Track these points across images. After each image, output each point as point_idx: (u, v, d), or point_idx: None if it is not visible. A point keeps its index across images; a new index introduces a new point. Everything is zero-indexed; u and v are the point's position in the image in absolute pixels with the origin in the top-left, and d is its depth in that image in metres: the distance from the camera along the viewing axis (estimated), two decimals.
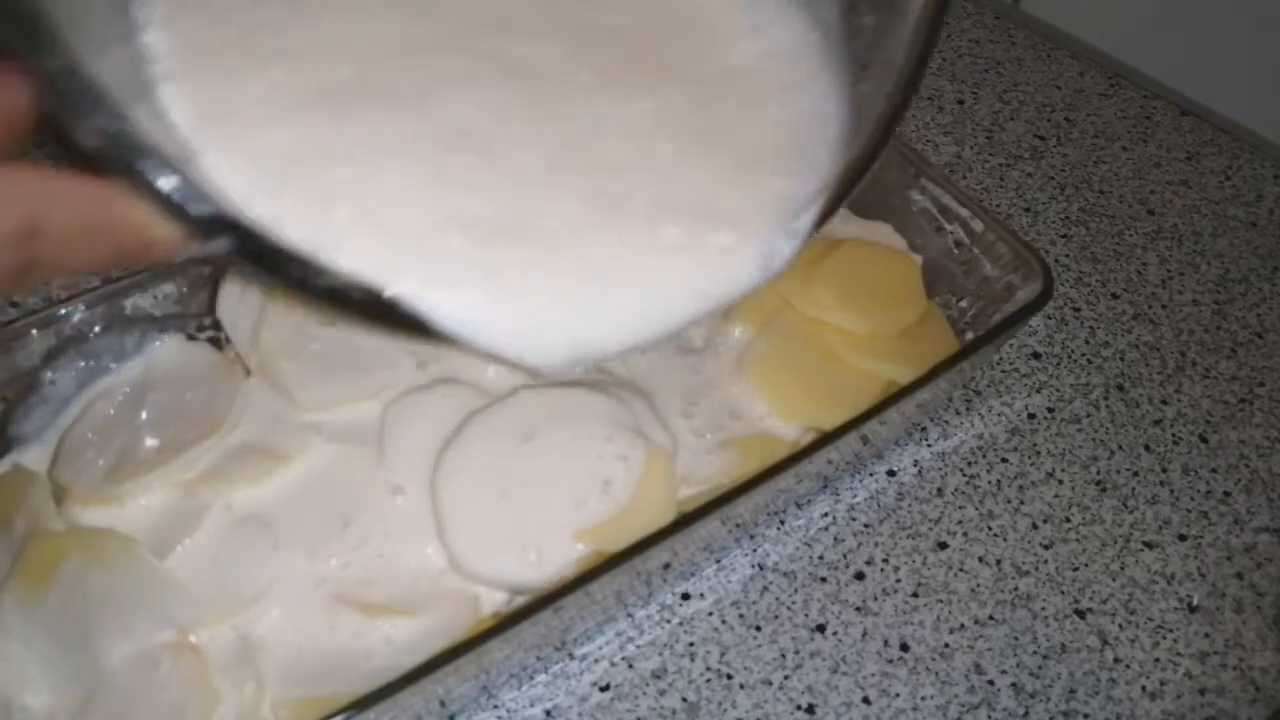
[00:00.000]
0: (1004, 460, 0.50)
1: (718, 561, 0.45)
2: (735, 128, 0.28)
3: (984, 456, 0.50)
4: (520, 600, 0.39)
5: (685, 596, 0.44)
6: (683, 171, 0.27)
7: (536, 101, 0.27)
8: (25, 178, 0.20)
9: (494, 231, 0.25)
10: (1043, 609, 0.45)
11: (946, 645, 0.44)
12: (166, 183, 0.20)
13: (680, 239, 0.26)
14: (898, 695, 0.42)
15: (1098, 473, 0.50)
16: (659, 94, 0.28)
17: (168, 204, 0.21)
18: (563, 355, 0.25)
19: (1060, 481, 0.50)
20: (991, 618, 0.45)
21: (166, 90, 0.23)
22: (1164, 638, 0.45)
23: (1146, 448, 0.51)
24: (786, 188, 0.27)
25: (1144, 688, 0.43)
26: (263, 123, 0.24)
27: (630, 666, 0.42)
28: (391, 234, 0.24)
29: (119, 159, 0.20)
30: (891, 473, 0.49)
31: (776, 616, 0.44)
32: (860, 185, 0.26)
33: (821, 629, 0.44)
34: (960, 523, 0.48)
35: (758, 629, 0.43)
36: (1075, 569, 0.47)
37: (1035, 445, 0.51)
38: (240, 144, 0.23)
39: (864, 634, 0.44)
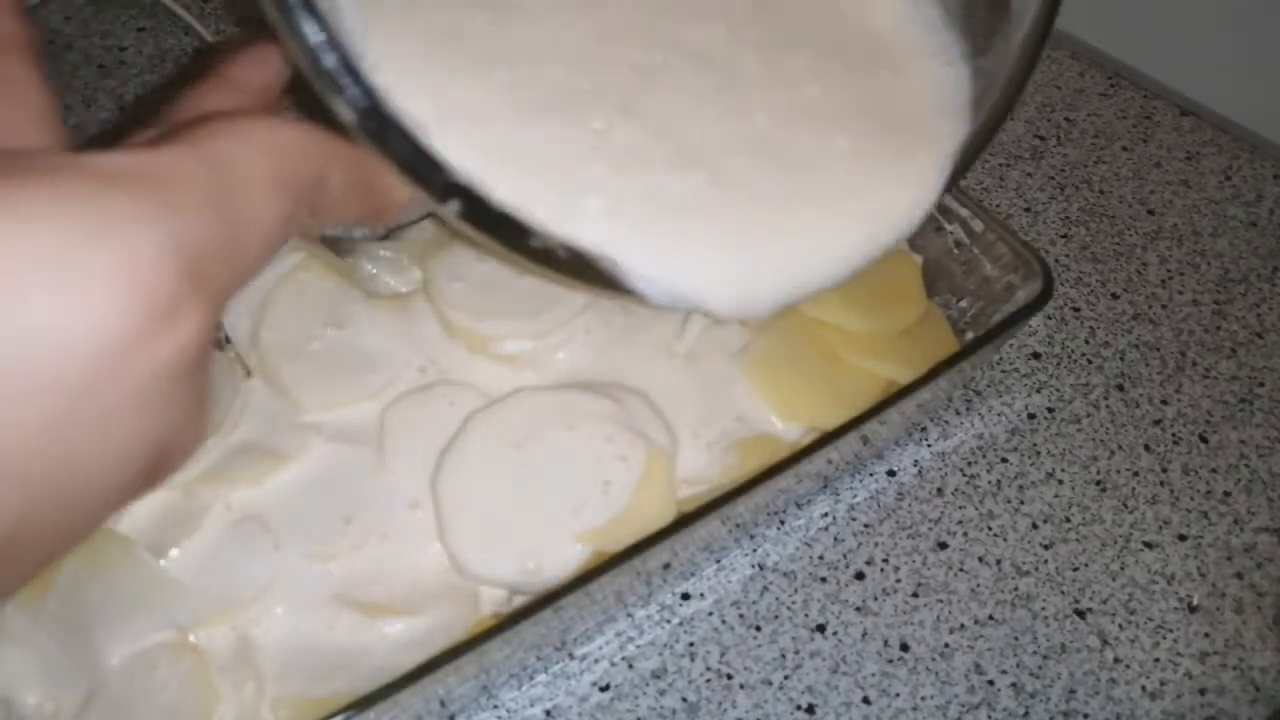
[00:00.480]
0: (1004, 460, 0.50)
1: (718, 561, 0.45)
2: (886, 89, 0.32)
3: (984, 456, 0.50)
4: (520, 600, 0.39)
5: (685, 596, 0.44)
6: (847, 129, 0.31)
7: (718, 84, 0.31)
8: (321, 137, 0.23)
9: (698, 200, 0.29)
10: (1043, 609, 0.45)
11: (946, 645, 0.44)
12: (411, 150, 0.24)
13: (853, 187, 0.30)
14: (898, 695, 0.42)
15: (1098, 473, 0.50)
16: (818, 62, 0.32)
17: (413, 170, 0.24)
18: (768, 303, 0.29)
19: (1060, 481, 0.50)
20: (991, 618, 0.45)
21: (387, 78, 0.26)
22: (1164, 638, 0.45)
23: (1146, 448, 0.51)
24: (932, 144, 0.31)
25: (1144, 688, 0.43)
26: (491, 114, 0.28)
27: (630, 666, 0.42)
28: (609, 205, 0.28)
29: (371, 129, 0.23)
30: (891, 473, 0.49)
31: (776, 616, 0.44)
32: (989, 143, 0.31)
33: (821, 629, 0.44)
34: (960, 523, 0.48)
35: (758, 629, 0.43)
36: (1075, 569, 0.47)
37: (1035, 445, 0.51)
38: (467, 126, 0.27)
39: (864, 634, 0.44)
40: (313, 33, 0.22)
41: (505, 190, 0.26)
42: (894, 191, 0.30)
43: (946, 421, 0.51)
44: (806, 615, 0.44)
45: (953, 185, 0.31)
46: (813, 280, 0.30)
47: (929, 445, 0.50)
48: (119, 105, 0.61)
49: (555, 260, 0.26)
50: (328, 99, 0.23)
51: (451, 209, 0.25)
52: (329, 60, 0.22)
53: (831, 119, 0.31)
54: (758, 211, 0.29)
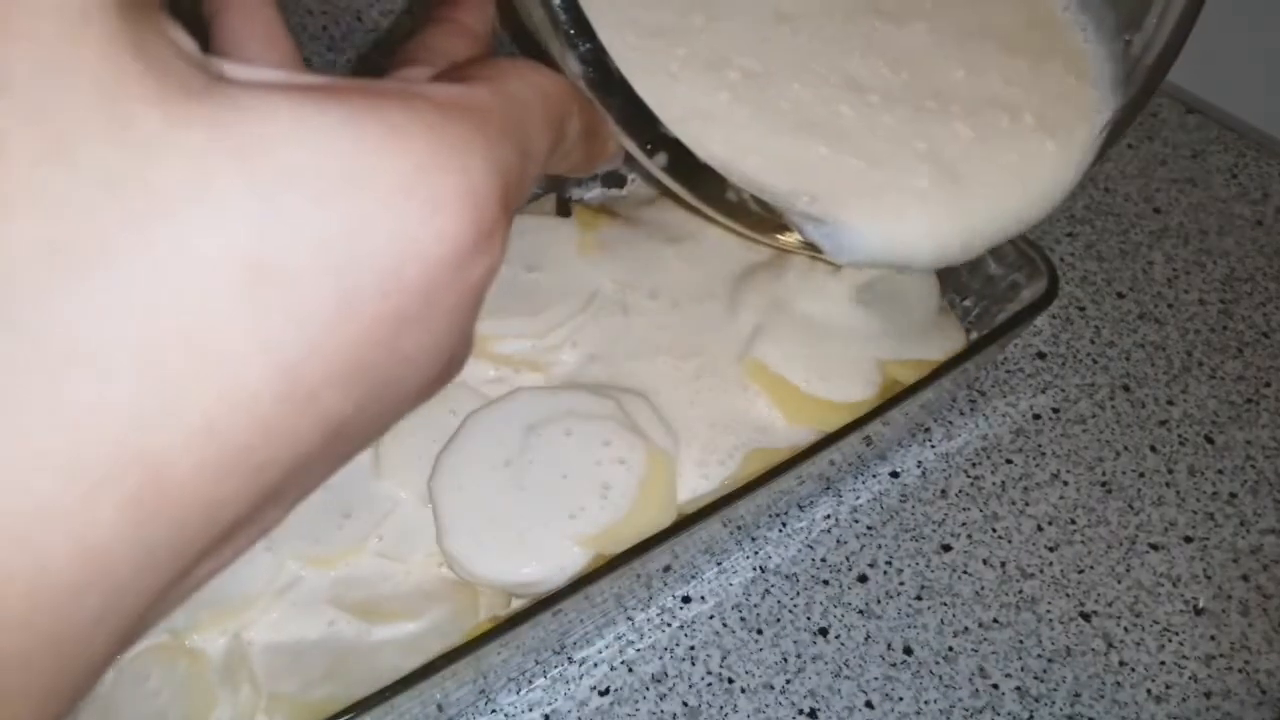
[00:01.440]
0: (1009, 461, 0.50)
1: (718, 564, 0.45)
2: (1046, 67, 0.37)
3: (988, 457, 0.50)
4: (519, 603, 0.39)
5: (686, 599, 0.44)
6: (1015, 100, 0.36)
7: (910, 66, 0.35)
8: (565, 82, 0.24)
9: (898, 168, 0.33)
10: (1048, 612, 0.45)
11: (950, 649, 0.43)
12: (630, 103, 0.27)
13: (1033, 157, 0.34)
14: (901, 699, 0.42)
15: (1103, 474, 0.50)
16: (1000, 53, 0.37)
17: (631, 122, 0.27)
18: (955, 250, 0.34)
19: (1065, 483, 0.49)
20: (996, 621, 0.44)
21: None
22: (1169, 640, 0.44)
23: (1152, 449, 0.51)
24: (1086, 114, 0.36)
25: (1149, 691, 0.43)
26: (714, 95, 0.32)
27: (630, 670, 0.41)
28: (797, 163, 0.31)
29: (598, 81, 0.26)
30: (895, 474, 0.49)
31: (778, 620, 0.43)
32: (1135, 119, 0.36)
33: (824, 632, 0.43)
34: (964, 524, 0.47)
35: (759, 632, 0.43)
36: (1080, 571, 0.46)
37: (1040, 446, 0.50)
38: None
39: (867, 637, 0.43)
40: None
41: (718, 148, 0.29)
42: (1060, 155, 0.35)
43: (950, 422, 0.51)
44: (809, 618, 0.44)
45: (1105, 151, 0.36)
46: (993, 231, 0.35)
47: (933, 446, 0.50)
48: None
49: (748, 214, 0.30)
50: (559, 50, 0.26)
51: (659, 161, 0.28)
52: (565, 15, 0.25)
53: (1011, 99, 0.36)
54: (947, 170, 0.33)
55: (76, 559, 0.14)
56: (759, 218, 0.30)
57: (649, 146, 0.28)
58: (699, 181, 0.29)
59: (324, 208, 0.16)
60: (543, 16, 0.25)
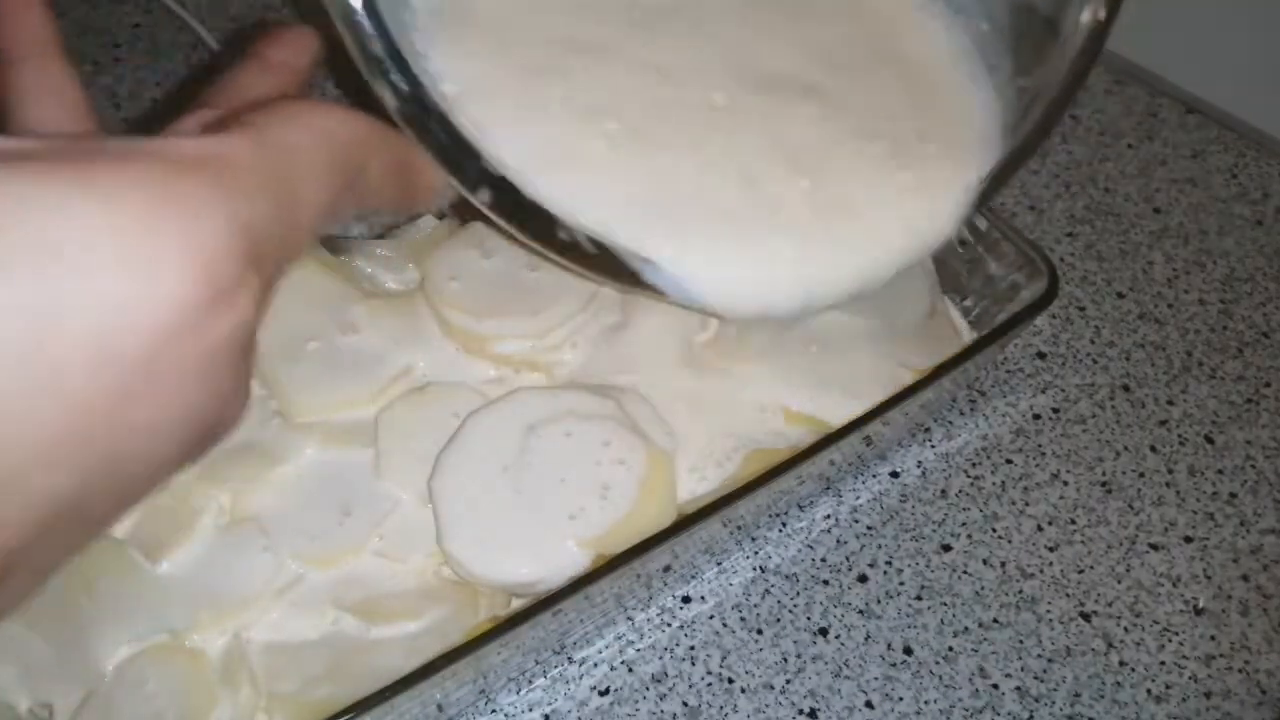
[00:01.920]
0: (1009, 461, 0.50)
1: (719, 564, 0.45)
2: (927, 115, 0.34)
3: (988, 457, 0.50)
4: (519, 603, 0.39)
5: (686, 599, 0.44)
6: (884, 147, 0.33)
7: (760, 106, 0.33)
8: (367, 121, 0.24)
9: (738, 208, 0.30)
10: (1048, 612, 0.45)
11: (950, 649, 0.43)
12: (448, 138, 0.25)
13: (892, 206, 0.32)
14: (901, 699, 0.42)
15: (1103, 474, 0.50)
16: (863, 83, 0.34)
17: (449, 157, 0.26)
18: (793, 304, 0.32)
19: (1065, 483, 0.49)
20: (996, 621, 0.44)
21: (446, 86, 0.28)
22: (1169, 640, 0.44)
23: (1152, 449, 0.51)
24: (967, 161, 0.33)
25: (1149, 691, 0.43)
26: (540, 115, 0.30)
27: (630, 670, 0.41)
28: (639, 206, 0.30)
29: (413, 114, 0.25)
30: (895, 474, 0.49)
31: (778, 620, 0.43)
32: (1025, 163, 0.33)
33: (824, 632, 0.43)
34: (964, 524, 0.47)
35: (759, 632, 0.43)
36: (1080, 571, 0.46)
37: (1040, 446, 0.50)
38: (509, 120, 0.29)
39: (867, 637, 0.43)
40: (365, 20, 0.24)
41: (543, 186, 0.28)
42: (930, 207, 0.32)
43: (950, 422, 0.51)
44: (809, 618, 0.44)
45: (985, 203, 0.33)
46: (841, 286, 0.32)
47: (933, 446, 0.50)
48: (114, 102, 0.60)
49: (581, 254, 0.28)
50: (373, 82, 0.24)
51: (483, 198, 0.27)
52: (377, 47, 0.24)
53: (874, 143, 0.33)
54: (797, 222, 0.31)
55: None
56: (593, 258, 0.29)
57: (471, 182, 0.26)
58: (527, 219, 0.28)
59: (12, 284, 0.15)
60: (357, 50, 0.24)
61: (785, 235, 0.31)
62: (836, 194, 0.32)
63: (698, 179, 0.31)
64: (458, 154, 0.26)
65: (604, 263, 0.29)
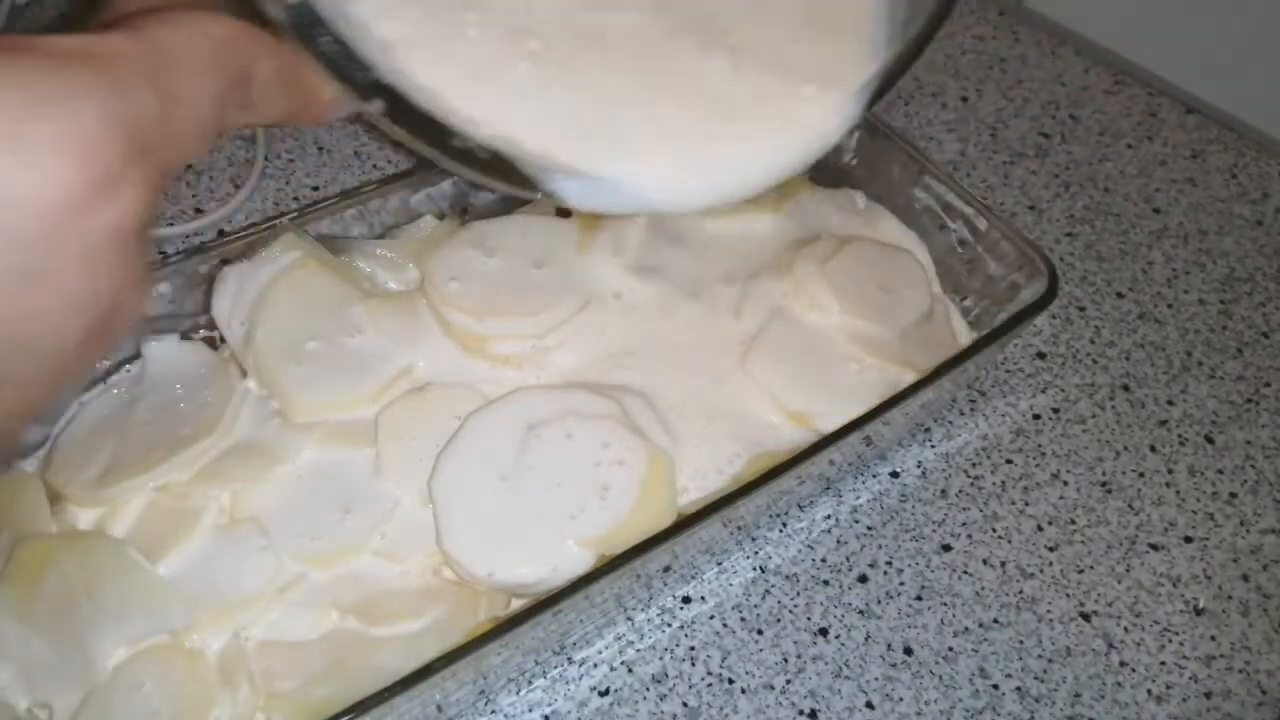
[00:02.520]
0: (1009, 461, 0.50)
1: (719, 564, 0.45)
2: (822, 20, 0.35)
3: (988, 457, 0.50)
4: (519, 603, 0.39)
5: (686, 600, 0.44)
6: (776, 45, 0.34)
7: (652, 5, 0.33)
8: (252, 30, 0.24)
9: (627, 105, 0.31)
10: (1048, 612, 0.45)
11: (950, 649, 0.43)
12: (337, 49, 0.25)
13: (777, 104, 0.33)
14: (901, 700, 0.42)
15: (1103, 474, 0.50)
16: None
17: (338, 68, 0.26)
18: (700, 195, 0.33)
19: (1065, 483, 0.49)
20: (996, 621, 0.44)
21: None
22: (1170, 641, 0.44)
23: (1152, 448, 0.51)
24: (857, 58, 0.34)
25: (1150, 691, 0.43)
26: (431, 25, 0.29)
27: (630, 671, 0.41)
28: (538, 112, 0.30)
29: (299, 26, 0.25)
30: (895, 474, 0.48)
31: (778, 620, 0.43)
32: (915, 64, 0.34)
33: (824, 632, 0.43)
34: (964, 525, 0.47)
35: (759, 633, 0.43)
36: (1080, 571, 0.46)
37: (1040, 446, 0.50)
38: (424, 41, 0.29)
39: (867, 637, 0.43)
40: None
41: (424, 78, 0.28)
42: (814, 109, 0.33)
43: (950, 422, 0.51)
44: (809, 619, 0.44)
45: (869, 108, 0.34)
46: (734, 184, 0.33)
47: (933, 446, 0.50)
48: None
49: (474, 161, 0.29)
50: None
51: (376, 107, 0.27)
52: None
53: (760, 41, 0.34)
54: (687, 118, 0.32)
55: None
56: (489, 166, 0.29)
57: (362, 92, 0.27)
58: (422, 128, 0.28)
59: None
60: None
61: (687, 137, 0.32)
62: (736, 97, 0.33)
63: (588, 73, 0.31)
64: (347, 64, 0.26)
65: (498, 170, 0.29)
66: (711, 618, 0.43)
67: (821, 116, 0.33)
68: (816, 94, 0.33)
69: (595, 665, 0.41)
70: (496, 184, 0.30)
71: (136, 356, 0.44)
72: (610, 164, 0.31)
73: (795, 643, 0.43)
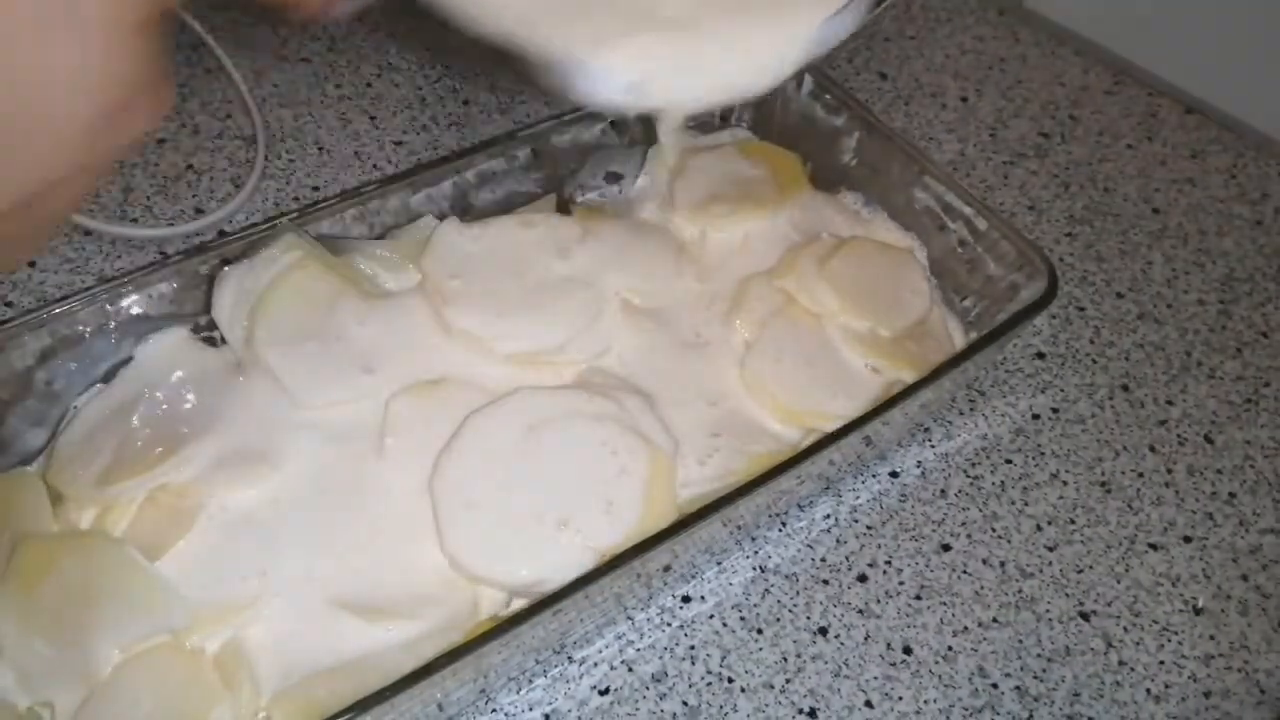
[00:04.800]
0: (1008, 461, 0.50)
1: (718, 564, 0.45)
2: None
3: (988, 457, 0.50)
4: (519, 602, 0.39)
5: (686, 599, 0.44)
6: None
7: None
8: None
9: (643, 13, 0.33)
10: (1047, 611, 0.45)
11: (950, 648, 0.43)
12: None
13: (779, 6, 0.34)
14: (900, 699, 0.42)
15: (1102, 474, 0.50)
16: None
17: None
18: (699, 96, 0.34)
19: (1065, 483, 0.49)
20: (995, 620, 0.44)
21: None
22: (1169, 640, 0.44)
23: (1152, 448, 0.51)
24: None
25: (1149, 690, 0.43)
26: None
27: (630, 670, 0.41)
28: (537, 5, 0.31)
29: None
30: (894, 474, 0.49)
31: (778, 619, 0.43)
32: None
33: (824, 632, 0.43)
34: (964, 524, 0.47)
35: (759, 632, 0.43)
36: (1080, 571, 0.46)
37: (1040, 446, 0.50)
38: None
39: (866, 637, 0.43)
40: None
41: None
42: (814, 11, 0.34)
43: (950, 422, 0.51)
44: (808, 618, 0.44)
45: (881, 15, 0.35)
46: (735, 76, 0.35)
47: (932, 446, 0.50)
48: None
49: (481, 51, 0.30)
50: None
51: None
52: None
53: None
54: (701, 23, 0.33)
55: None
56: (495, 57, 0.31)
57: None
58: (430, 12, 0.30)
59: None
60: None
61: (691, 34, 0.33)
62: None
63: None
64: None
65: (498, 56, 0.31)
66: (711, 617, 0.43)
67: (819, 25, 0.34)
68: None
69: (595, 664, 0.41)
70: (510, 77, 0.34)
71: (136, 356, 0.44)
72: (608, 52, 0.32)
73: (795, 642, 0.43)
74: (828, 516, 0.47)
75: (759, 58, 0.34)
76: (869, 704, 0.41)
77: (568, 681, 0.41)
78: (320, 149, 0.59)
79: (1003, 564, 0.46)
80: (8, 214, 0.21)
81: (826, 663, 0.42)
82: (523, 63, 0.31)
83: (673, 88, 0.34)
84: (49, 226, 0.23)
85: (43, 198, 0.22)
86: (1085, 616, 0.45)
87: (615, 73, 0.32)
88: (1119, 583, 0.46)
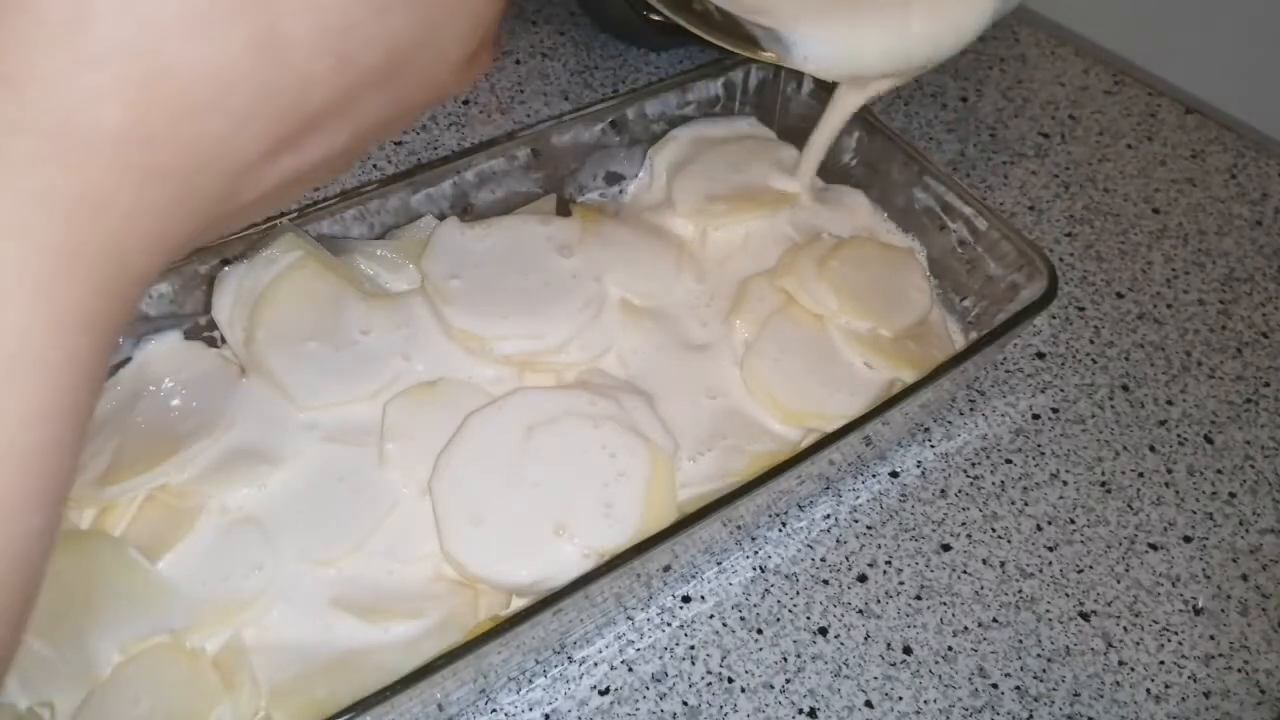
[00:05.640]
0: (1008, 461, 0.50)
1: (719, 564, 0.45)
2: None
3: (988, 457, 0.50)
4: (519, 602, 0.39)
5: (686, 599, 0.44)
6: None
7: None
8: None
9: None
10: (1047, 611, 0.45)
11: (950, 648, 0.43)
12: None
13: None
14: (900, 699, 0.42)
15: (1102, 474, 0.50)
16: None
17: None
18: (883, 65, 0.41)
19: (1065, 483, 0.49)
20: (995, 620, 0.44)
21: None
22: (1169, 640, 0.44)
23: (1152, 448, 0.51)
24: None
25: (1149, 690, 0.43)
26: None
27: (630, 670, 0.41)
28: None
29: None
30: (894, 474, 0.49)
31: (778, 619, 0.43)
32: None
33: (824, 632, 0.43)
34: (964, 524, 0.47)
35: (759, 632, 0.43)
36: (1080, 571, 0.46)
37: (1040, 446, 0.50)
38: None
39: (866, 637, 0.43)
40: None
41: None
42: None
43: (950, 422, 0.51)
44: (808, 618, 0.44)
45: None
46: (923, 48, 0.41)
47: (932, 446, 0.50)
48: None
49: (709, 22, 0.35)
50: None
51: None
52: None
53: None
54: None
55: (208, 77, 0.17)
56: (722, 26, 0.36)
57: None
58: None
59: None
60: None
61: (882, 11, 0.39)
62: None
63: None
64: None
65: (730, 31, 0.37)
66: (711, 617, 0.43)
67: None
68: None
69: (595, 664, 0.41)
70: (724, 42, 0.38)
71: (136, 356, 0.44)
72: (814, 30, 0.38)
73: (795, 642, 0.43)
74: (828, 516, 0.47)
75: (956, 23, 0.41)
76: (869, 704, 0.41)
77: (568, 681, 0.41)
78: None
79: (1003, 564, 0.46)
80: (368, 135, 0.22)
81: (826, 663, 0.42)
82: (740, 28, 0.36)
83: (876, 56, 0.40)
84: (366, 154, 0.25)
85: (393, 123, 0.23)
86: (1085, 616, 0.45)
87: (823, 46, 0.39)
88: (1119, 583, 0.46)
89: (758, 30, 0.38)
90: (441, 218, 0.49)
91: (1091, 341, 0.55)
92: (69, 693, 0.35)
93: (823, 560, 0.45)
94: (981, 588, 0.45)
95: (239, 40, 0.17)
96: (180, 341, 0.44)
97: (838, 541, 0.46)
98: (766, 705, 0.41)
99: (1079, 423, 0.52)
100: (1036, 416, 0.52)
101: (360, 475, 0.41)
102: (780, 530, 0.46)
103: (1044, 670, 0.43)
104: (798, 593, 0.44)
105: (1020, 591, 0.45)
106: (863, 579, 0.45)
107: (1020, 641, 0.44)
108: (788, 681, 0.42)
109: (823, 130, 0.50)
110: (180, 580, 0.38)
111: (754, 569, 0.45)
